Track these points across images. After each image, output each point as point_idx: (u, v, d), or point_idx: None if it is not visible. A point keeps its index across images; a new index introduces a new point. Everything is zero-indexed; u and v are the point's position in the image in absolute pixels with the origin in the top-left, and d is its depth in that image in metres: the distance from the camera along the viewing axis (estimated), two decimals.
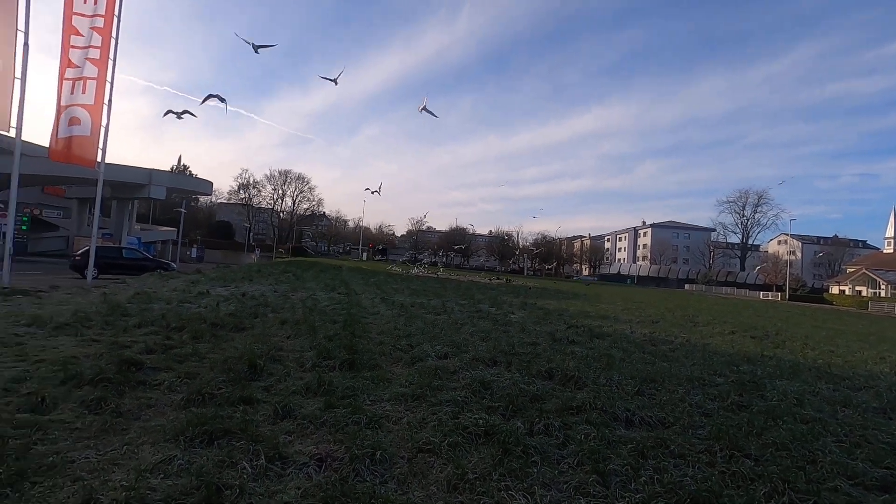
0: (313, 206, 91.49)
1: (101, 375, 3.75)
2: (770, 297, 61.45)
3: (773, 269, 79.09)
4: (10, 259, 11.72)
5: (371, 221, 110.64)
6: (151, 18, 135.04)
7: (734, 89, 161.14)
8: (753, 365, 6.82)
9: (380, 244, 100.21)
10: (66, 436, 2.80)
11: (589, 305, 17.13)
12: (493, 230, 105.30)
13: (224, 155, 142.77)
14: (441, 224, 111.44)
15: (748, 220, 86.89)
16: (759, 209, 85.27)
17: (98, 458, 2.52)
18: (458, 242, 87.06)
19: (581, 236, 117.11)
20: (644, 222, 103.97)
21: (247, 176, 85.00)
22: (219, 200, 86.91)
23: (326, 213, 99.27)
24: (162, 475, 2.35)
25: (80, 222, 41.50)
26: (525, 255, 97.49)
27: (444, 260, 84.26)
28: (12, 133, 10.68)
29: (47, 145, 12.70)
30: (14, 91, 9.53)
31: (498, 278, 44.63)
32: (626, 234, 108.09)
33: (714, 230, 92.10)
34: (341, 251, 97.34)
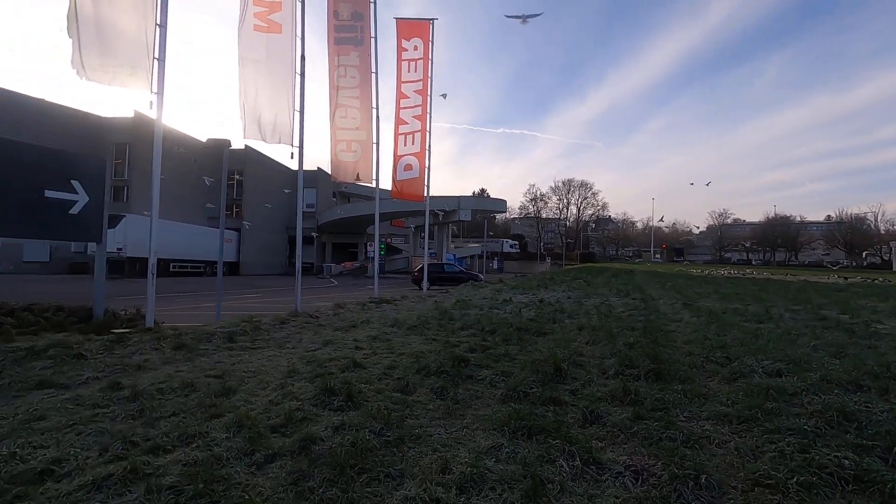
0: (598, 210, 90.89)
1: (441, 368, 4.64)
2: None
3: None
4: (378, 277, 15.89)
5: (664, 219, 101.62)
6: (448, 72, 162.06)
7: None
8: None
9: (675, 244, 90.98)
10: (424, 414, 3.56)
11: None
12: (832, 215, 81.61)
13: (515, 173, 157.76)
14: (752, 215, 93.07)
15: None
16: None
17: (447, 436, 3.11)
18: (778, 234, 70.98)
19: None
20: None
21: (534, 190, 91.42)
22: (512, 216, 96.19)
23: (612, 216, 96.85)
24: (494, 459, 2.72)
25: (415, 245, 52.88)
26: (893, 244, 71.56)
27: (762, 257, 69.93)
28: (373, 184, 14.54)
29: (389, 188, 16.82)
30: (373, 154, 13.03)
31: (844, 277, 34.16)
32: None
33: None
34: (630, 254, 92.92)
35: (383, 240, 48.54)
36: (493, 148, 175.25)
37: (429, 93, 16.12)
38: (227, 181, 11.02)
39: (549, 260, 70.53)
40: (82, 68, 6.89)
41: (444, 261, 38.05)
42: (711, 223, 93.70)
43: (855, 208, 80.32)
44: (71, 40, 6.85)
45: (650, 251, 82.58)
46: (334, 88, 12.47)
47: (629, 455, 2.79)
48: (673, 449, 2.81)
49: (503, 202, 54.81)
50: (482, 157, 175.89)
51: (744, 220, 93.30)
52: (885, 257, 71.90)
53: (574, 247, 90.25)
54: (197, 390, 3.97)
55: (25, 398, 3.84)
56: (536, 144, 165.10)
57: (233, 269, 43.42)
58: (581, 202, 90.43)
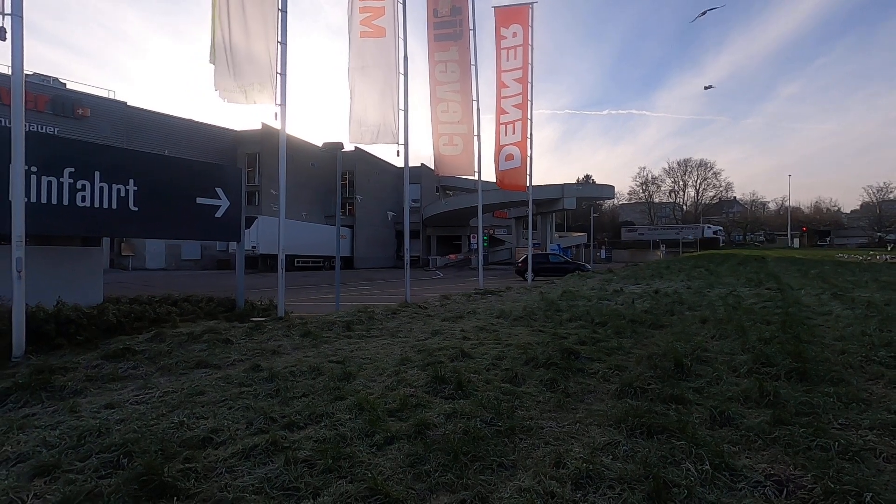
0: (720, 192, 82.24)
1: (550, 360, 4.54)
2: None
3: None
4: (482, 268, 16.04)
5: (802, 199, 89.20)
6: (546, 56, 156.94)
7: None
8: None
9: (818, 226, 79.14)
10: (534, 406, 3.52)
11: None
12: None
13: (621, 157, 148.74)
14: None
15: None
16: None
17: (559, 429, 3.04)
18: None
19: None
20: None
21: (645, 174, 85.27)
22: (620, 202, 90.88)
23: (738, 197, 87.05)
24: (611, 457, 2.60)
25: (517, 236, 52.42)
26: None
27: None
28: (475, 176, 14.65)
29: (493, 179, 16.79)
30: (475, 146, 13.14)
31: None
32: None
33: None
34: (763, 239, 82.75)
35: (486, 231, 48.85)
36: (598, 131, 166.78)
37: (529, 80, 15.78)
38: (341, 181, 11.85)
39: (663, 247, 65.38)
40: (224, 91, 7.85)
41: (549, 251, 37.20)
42: (867, 200, 79.88)
43: None
44: (213, 66, 7.83)
45: (786, 235, 72.72)
46: (435, 84, 12.76)
47: (769, 463, 2.50)
48: (826, 460, 2.46)
49: (610, 188, 51.93)
50: (586, 141, 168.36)
51: None
52: None
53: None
54: (322, 374, 4.35)
55: (189, 375, 4.52)
56: (646, 124, 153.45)
57: (347, 262, 46.70)
58: (700, 183, 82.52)
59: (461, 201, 48.41)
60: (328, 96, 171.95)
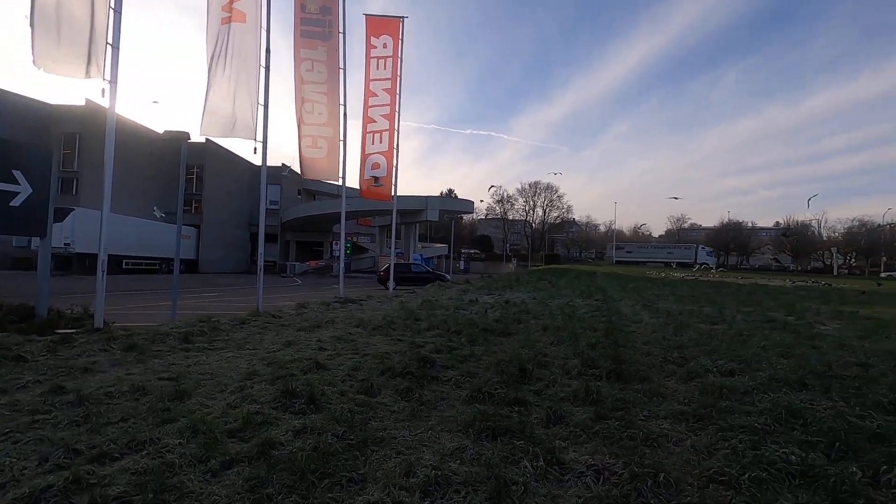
0: (563, 213, 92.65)
1: (407, 369, 4.59)
2: None
3: None
4: (343, 276, 15.65)
5: (624, 224, 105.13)
6: (415, 71, 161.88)
7: None
8: None
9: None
10: (389, 416, 3.51)
11: None
12: (780, 221, 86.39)
13: (481, 174, 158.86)
14: (709, 220, 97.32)
15: None
16: None
17: (412, 438, 3.08)
18: (731, 239, 74.57)
19: None
20: None
21: (501, 192, 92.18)
22: (478, 217, 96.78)
23: (576, 219, 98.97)
24: (459, 461, 2.70)
25: (381, 245, 52.48)
26: (834, 250, 76.21)
27: (717, 260, 73.37)
28: (339, 182, 14.29)
29: (357, 186, 16.59)
30: (340, 151, 12.80)
31: (791, 280, 36.17)
32: None
33: None
34: (594, 256, 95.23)
35: (349, 238, 47.93)
36: (461, 148, 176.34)
37: (398, 91, 16.00)
38: (186, 176, 10.59)
39: (514, 261, 71.34)
40: (42, 58, 6.51)
41: (412, 261, 37.90)
42: (670, 227, 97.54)
43: (801, 216, 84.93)
44: (31, 28, 6.46)
45: (612, 254, 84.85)
46: (300, 82, 12.19)
47: (591, 455, 2.84)
48: (633, 448, 2.88)
49: (470, 203, 55.12)
50: (450, 157, 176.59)
51: (700, 225, 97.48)
52: (826, 262, 76.51)
53: (539, 248, 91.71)
54: (148, 394, 3.79)
55: None
56: (503, 146, 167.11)
57: (191, 266, 41.84)
58: (546, 204, 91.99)
59: (324, 206, 46.88)
60: (181, 81, 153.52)
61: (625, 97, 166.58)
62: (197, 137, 9.77)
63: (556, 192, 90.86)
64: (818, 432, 3.14)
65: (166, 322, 7.73)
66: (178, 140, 9.57)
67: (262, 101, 9.98)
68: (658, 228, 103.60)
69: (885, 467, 2.61)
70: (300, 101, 12.23)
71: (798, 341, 6.99)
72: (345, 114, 12.86)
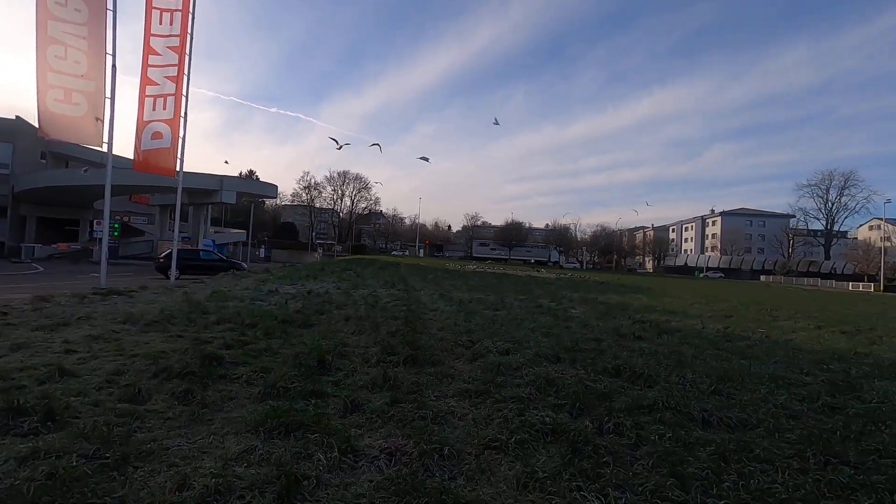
0: (371, 205, 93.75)
1: (187, 369, 4.04)
2: (861, 289, 55.96)
3: (864, 258, 71.91)
4: (106, 262, 12.94)
5: (427, 218, 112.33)
6: (214, 33, 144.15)
7: (820, 58, 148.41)
8: (846, 363, 6.24)
9: (436, 240, 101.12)
10: (161, 424, 3.04)
11: (654, 299, 16.39)
12: (549, 223, 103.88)
13: (286, 159, 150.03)
14: (497, 219, 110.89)
15: (833, 204, 79.71)
16: (847, 192, 78.19)
17: (189, 446, 2.72)
18: (513, 236, 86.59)
19: (643, 227, 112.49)
20: (713, 210, 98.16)
21: (308, 178, 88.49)
22: (283, 203, 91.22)
23: (384, 211, 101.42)
24: (245, 464, 2.50)
25: (162, 227, 44.98)
26: (584, 248, 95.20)
27: (500, 254, 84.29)
28: (104, 148, 11.75)
29: (131, 157, 13.92)
30: (105, 110, 10.49)
31: (557, 273, 43.81)
32: (693, 224, 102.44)
33: (793, 216, 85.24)
34: (398, 248, 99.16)
35: (119, 217, 39.73)
36: (265, 128, 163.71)
37: (187, 52, 13.88)
38: None
39: (320, 250, 69.41)
40: None
41: (201, 247, 33.57)
42: (465, 224, 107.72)
43: (564, 219, 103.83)
44: None
45: (416, 246, 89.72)
46: (46, 16, 9.58)
47: (385, 439, 2.94)
48: (423, 427, 3.08)
49: (274, 187, 51.31)
50: (252, 136, 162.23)
51: (490, 223, 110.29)
52: (580, 259, 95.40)
53: (346, 238, 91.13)
54: None
55: None
56: (312, 131, 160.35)
57: None
58: (355, 195, 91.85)
59: (81, 177, 37.74)
60: None
61: (431, 101, 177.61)
62: None
63: (366, 183, 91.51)
64: (566, 396, 3.86)
65: None
66: None
67: None
68: (456, 224, 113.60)
69: (606, 418, 3.35)
70: (45, 40, 9.62)
71: (556, 322, 8.49)
72: (114, 66, 10.61)
